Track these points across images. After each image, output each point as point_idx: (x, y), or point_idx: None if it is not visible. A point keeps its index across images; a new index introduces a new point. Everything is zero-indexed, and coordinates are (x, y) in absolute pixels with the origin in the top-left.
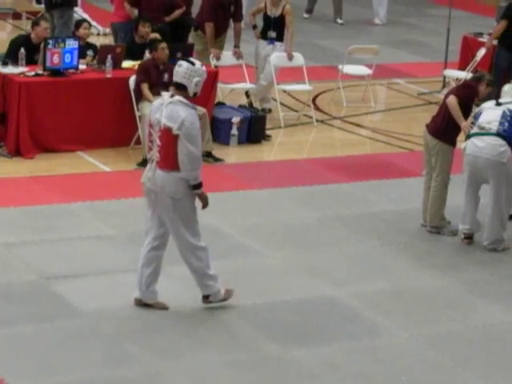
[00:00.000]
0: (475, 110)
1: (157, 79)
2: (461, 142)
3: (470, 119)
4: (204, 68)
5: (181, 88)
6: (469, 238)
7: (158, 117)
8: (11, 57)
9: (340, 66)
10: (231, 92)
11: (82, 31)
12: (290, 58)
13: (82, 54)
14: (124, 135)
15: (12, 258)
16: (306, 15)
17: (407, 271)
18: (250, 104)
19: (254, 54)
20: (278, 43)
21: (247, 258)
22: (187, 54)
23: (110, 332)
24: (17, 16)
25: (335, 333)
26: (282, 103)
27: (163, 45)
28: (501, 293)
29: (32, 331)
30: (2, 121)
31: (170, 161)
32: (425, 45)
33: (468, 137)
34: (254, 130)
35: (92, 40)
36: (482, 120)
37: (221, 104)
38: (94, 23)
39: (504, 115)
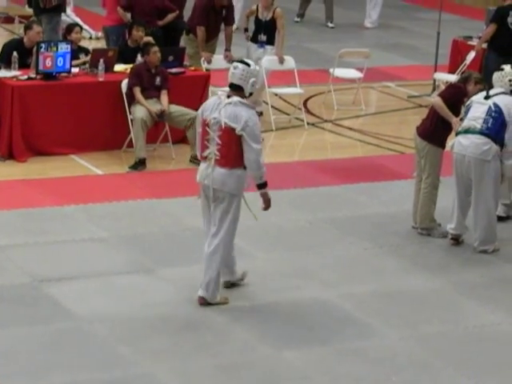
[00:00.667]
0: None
1: (149, 83)
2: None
3: (461, 115)
4: (258, 67)
5: (237, 89)
6: (455, 239)
7: (216, 116)
8: (4, 60)
9: (331, 70)
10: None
11: (73, 36)
12: (281, 61)
13: (74, 58)
14: (116, 138)
15: (5, 261)
16: (297, 19)
17: (398, 273)
18: None
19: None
20: (268, 47)
21: (239, 259)
22: (179, 58)
23: (103, 334)
24: (9, 20)
25: (327, 334)
26: (273, 106)
27: (155, 48)
28: (491, 294)
29: (25, 333)
30: None
31: (230, 159)
32: (415, 48)
33: (456, 134)
34: None
35: (84, 44)
36: (469, 116)
37: None
38: (86, 27)
39: (489, 111)
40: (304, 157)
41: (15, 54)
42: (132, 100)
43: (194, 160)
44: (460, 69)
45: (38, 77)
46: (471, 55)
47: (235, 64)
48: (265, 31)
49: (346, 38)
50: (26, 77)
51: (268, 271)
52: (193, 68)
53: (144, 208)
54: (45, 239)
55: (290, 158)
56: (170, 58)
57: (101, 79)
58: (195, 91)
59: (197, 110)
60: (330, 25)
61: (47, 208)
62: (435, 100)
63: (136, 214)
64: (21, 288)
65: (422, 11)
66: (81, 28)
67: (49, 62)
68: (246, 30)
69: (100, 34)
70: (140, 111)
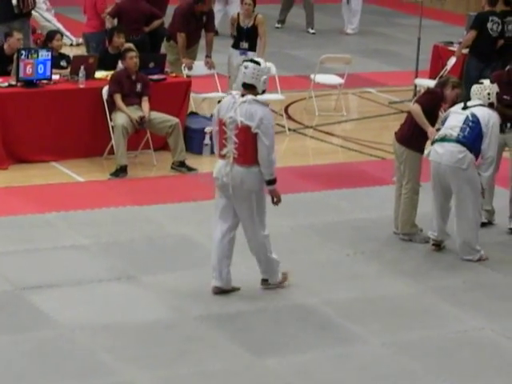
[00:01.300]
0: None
1: (129, 89)
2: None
3: (437, 125)
4: (268, 65)
5: (250, 88)
6: (437, 244)
7: (232, 115)
8: None
9: (312, 76)
10: (203, 102)
11: (55, 43)
12: None
13: (55, 65)
14: (97, 145)
15: None
16: (278, 25)
17: (380, 279)
18: None
19: (227, 64)
20: (250, 53)
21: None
22: (159, 64)
23: (84, 342)
24: None
25: (309, 341)
26: None
27: (131, 54)
28: (473, 300)
29: (7, 341)
30: None
31: (248, 157)
32: (396, 54)
33: (432, 143)
34: None
35: (65, 50)
36: (446, 125)
37: (193, 114)
38: (67, 34)
39: (466, 121)
40: (286, 163)
41: None
42: (113, 107)
43: (176, 167)
44: (441, 74)
45: (19, 84)
46: (452, 61)
47: (246, 64)
48: (246, 38)
49: (326, 44)
50: (6, 84)
51: (250, 278)
52: (174, 74)
53: (125, 215)
54: (26, 247)
55: None
56: (151, 65)
57: (81, 86)
58: (176, 98)
59: (178, 116)
60: (311, 31)
61: (28, 215)
62: (413, 107)
63: (117, 221)
64: (2, 296)
65: (403, 17)
66: (61, 35)
67: (29, 70)
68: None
69: (81, 40)
70: (121, 118)
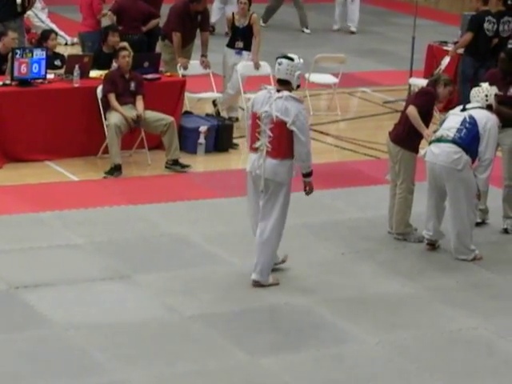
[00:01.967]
0: (439, 116)
1: (123, 88)
2: (422, 149)
3: (434, 127)
4: (301, 60)
5: (285, 83)
6: (431, 244)
7: (267, 110)
8: None
9: (306, 75)
10: (198, 101)
11: (50, 42)
12: (257, 67)
13: (49, 64)
14: (92, 144)
15: None
16: (262, 24)
17: (374, 278)
18: (217, 113)
19: (222, 63)
20: (245, 52)
21: (215, 266)
22: (154, 64)
23: (79, 341)
24: None
25: (303, 340)
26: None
27: (124, 53)
28: (467, 299)
29: (1, 340)
30: None
31: (282, 150)
32: (390, 53)
33: (429, 143)
34: (222, 138)
35: (60, 50)
36: (444, 126)
37: (188, 113)
38: (61, 33)
39: (463, 122)
40: None
41: None
42: (107, 106)
43: (169, 165)
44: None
45: (14, 83)
46: (446, 60)
47: (279, 60)
48: (242, 37)
49: (321, 43)
50: (1, 83)
51: (244, 277)
52: (168, 74)
53: (120, 214)
54: (21, 246)
55: None
56: (146, 64)
57: (76, 85)
58: (171, 97)
59: (172, 115)
60: (307, 31)
61: (23, 214)
62: (409, 109)
63: (112, 220)
64: None
65: (398, 16)
66: (56, 34)
67: (24, 69)
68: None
69: (75, 39)
70: (114, 117)
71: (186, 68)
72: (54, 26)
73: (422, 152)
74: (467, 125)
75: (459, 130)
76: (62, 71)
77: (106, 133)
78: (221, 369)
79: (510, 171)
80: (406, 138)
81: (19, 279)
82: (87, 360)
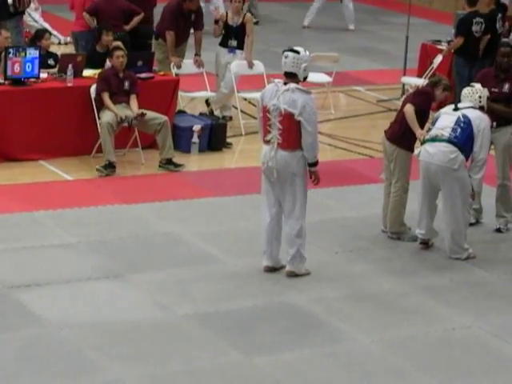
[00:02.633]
0: (434, 115)
1: (117, 87)
2: (416, 149)
3: (428, 125)
4: (308, 52)
5: (291, 76)
6: (425, 243)
7: (275, 103)
8: None
9: None
10: (192, 100)
11: (44, 42)
12: (251, 65)
13: (43, 63)
14: (85, 144)
15: None
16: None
17: (368, 277)
18: (211, 112)
19: (215, 62)
20: (238, 51)
21: (209, 265)
22: (148, 63)
23: (72, 340)
24: None
25: (297, 339)
26: (242, 111)
27: (118, 53)
28: (461, 298)
29: None
30: None
31: (292, 142)
32: (384, 52)
33: (423, 142)
34: (215, 137)
35: (53, 49)
36: (437, 126)
37: (182, 112)
38: (54, 32)
39: (458, 121)
40: None
41: None
42: (101, 105)
43: (163, 164)
44: (427, 72)
45: (7, 82)
46: (438, 59)
47: (285, 53)
48: (235, 36)
49: (314, 42)
50: None
51: (238, 276)
52: (162, 73)
53: (113, 213)
54: (14, 245)
55: (259, 163)
56: (139, 63)
57: (69, 84)
58: (164, 96)
59: (166, 114)
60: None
61: (16, 214)
62: (406, 108)
63: (105, 220)
64: None
65: (391, 15)
66: (50, 34)
67: (17, 68)
68: (216, 22)
69: (69, 39)
70: (106, 116)
71: (179, 67)
72: (47, 26)
73: (415, 151)
74: (461, 124)
75: (454, 130)
76: (55, 70)
77: (100, 132)
78: (214, 368)
79: (503, 170)
80: (402, 136)
81: (12, 279)
82: (81, 359)
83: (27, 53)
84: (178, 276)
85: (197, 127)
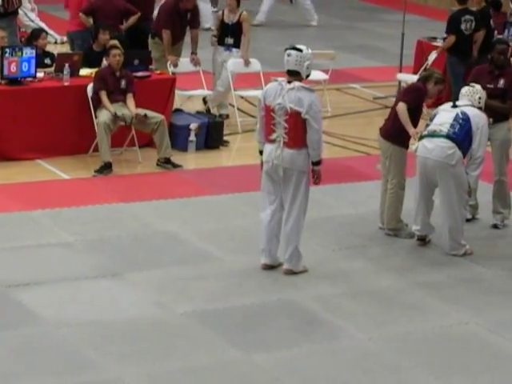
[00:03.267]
0: (431, 112)
1: (114, 86)
2: (413, 145)
3: (424, 122)
4: (310, 50)
5: (295, 74)
6: (421, 239)
7: (280, 102)
8: None
9: None
10: (189, 98)
11: (40, 41)
12: (247, 63)
13: (39, 63)
14: (82, 143)
15: None
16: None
17: (366, 274)
18: (208, 110)
19: (211, 61)
20: (234, 49)
21: (207, 263)
22: (144, 61)
23: (71, 339)
24: None
25: (295, 336)
26: (239, 109)
27: (115, 51)
28: (458, 294)
29: None
30: None
31: (298, 140)
32: (380, 49)
33: (420, 138)
34: (212, 135)
35: (49, 48)
36: (435, 122)
37: (178, 110)
38: (51, 32)
39: (456, 118)
40: None
41: None
42: (98, 104)
43: (161, 163)
44: (422, 69)
45: (3, 82)
46: (433, 56)
47: (288, 52)
48: (231, 34)
49: (310, 39)
50: None
51: (236, 274)
52: (159, 72)
53: (111, 212)
54: (12, 244)
55: (256, 161)
56: (136, 62)
57: (66, 84)
58: (161, 95)
59: (163, 113)
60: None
61: (14, 213)
62: (399, 106)
63: (103, 218)
64: None
65: (386, 12)
66: (46, 33)
67: (14, 67)
68: (214, 36)
69: (65, 38)
70: (103, 115)
71: (176, 65)
72: (43, 25)
73: (413, 147)
74: (460, 121)
75: (453, 126)
76: (51, 70)
77: (97, 131)
78: (213, 365)
79: (500, 166)
80: (396, 133)
81: (11, 278)
82: (79, 358)
83: (24, 52)
84: (176, 274)
85: (194, 125)
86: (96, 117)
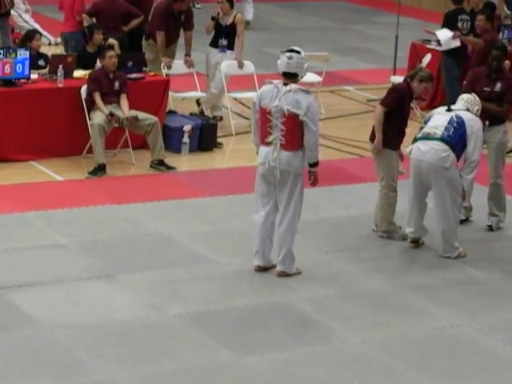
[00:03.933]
0: (420, 114)
1: (108, 88)
2: (405, 148)
3: (418, 125)
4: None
5: (291, 76)
6: (415, 241)
7: (277, 104)
8: None
9: None
10: (182, 100)
11: (34, 43)
12: (241, 66)
13: (33, 64)
14: (76, 144)
15: None
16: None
17: (359, 276)
18: (201, 112)
19: (205, 62)
20: (228, 51)
21: (200, 265)
22: (138, 63)
23: (64, 340)
24: None
25: (288, 338)
26: (232, 111)
27: (111, 53)
28: (452, 296)
29: None
30: None
31: (295, 143)
32: (374, 52)
33: (414, 140)
34: (206, 137)
35: (43, 50)
36: (430, 124)
37: (172, 112)
38: (45, 33)
39: (451, 121)
40: None
41: None
42: (92, 106)
43: (155, 165)
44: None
45: None
46: (427, 58)
47: (289, 54)
48: (225, 36)
49: (304, 42)
50: None
51: (229, 276)
52: (152, 73)
53: (104, 214)
54: (5, 246)
55: (250, 163)
56: (130, 64)
57: (60, 85)
58: (155, 96)
59: (156, 115)
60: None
61: (7, 214)
62: (376, 109)
63: (96, 220)
64: None
65: (380, 15)
66: (40, 35)
67: (7, 69)
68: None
69: (59, 39)
70: (97, 117)
71: (169, 67)
72: (37, 26)
73: (407, 149)
74: (455, 124)
75: (447, 129)
76: (45, 71)
77: (91, 132)
78: (206, 367)
79: (496, 169)
80: (384, 135)
81: (4, 279)
82: (72, 359)
83: (17, 54)
84: (170, 276)
85: (187, 127)
86: (90, 118)
